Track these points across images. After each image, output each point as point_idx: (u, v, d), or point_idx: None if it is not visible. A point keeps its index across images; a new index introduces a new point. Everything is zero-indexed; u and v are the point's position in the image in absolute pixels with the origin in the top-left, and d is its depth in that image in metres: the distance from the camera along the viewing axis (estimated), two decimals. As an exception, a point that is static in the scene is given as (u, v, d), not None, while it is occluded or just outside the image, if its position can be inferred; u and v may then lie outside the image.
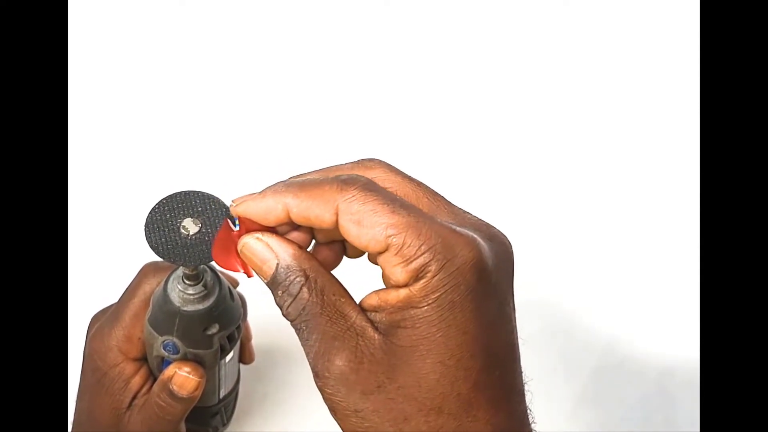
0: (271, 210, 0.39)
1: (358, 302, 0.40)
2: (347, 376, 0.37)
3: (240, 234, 0.41)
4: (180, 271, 0.49)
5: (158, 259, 0.44)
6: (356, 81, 0.87)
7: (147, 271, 0.53)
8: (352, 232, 0.37)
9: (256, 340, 0.62)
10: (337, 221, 0.38)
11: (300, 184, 0.39)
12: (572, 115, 0.86)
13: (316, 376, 0.38)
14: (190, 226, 0.43)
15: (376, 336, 0.38)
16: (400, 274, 0.37)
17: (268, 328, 0.63)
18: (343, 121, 0.84)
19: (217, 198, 0.44)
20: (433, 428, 0.37)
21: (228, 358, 0.53)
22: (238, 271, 0.42)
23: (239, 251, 0.41)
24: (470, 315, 0.37)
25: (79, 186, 0.74)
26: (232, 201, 0.41)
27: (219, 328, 0.50)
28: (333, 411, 0.39)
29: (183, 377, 0.51)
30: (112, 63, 0.85)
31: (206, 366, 0.52)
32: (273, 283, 0.39)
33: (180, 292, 0.49)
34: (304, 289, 0.38)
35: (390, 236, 0.37)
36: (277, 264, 0.39)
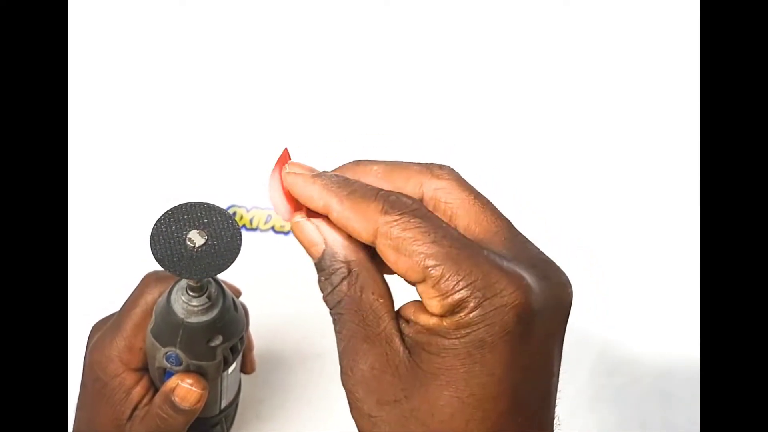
0: (313, 201, 0.38)
1: (398, 306, 0.38)
2: (368, 382, 0.37)
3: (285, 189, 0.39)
4: (184, 282, 0.48)
5: (161, 269, 0.43)
6: (356, 81, 0.87)
7: (149, 281, 0.53)
8: (390, 258, 0.36)
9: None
10: (374, 242, 0.37)
11: (348, 190, 0.38)
12: (570, 113, 0.86)
13: (341, 370, 0.37)
14: (196, 238, 0.43)
15: (402, 349, 0.37)
16: (436, 306, 0.35)
17: (265, 333, 0.63)
18: (343, 121, 0.84)
19: (223, 209, 0.44)
20: None
21: (230, 369, 0.53)
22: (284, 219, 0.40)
23: (291, 225, 0.39)
24: (501, 358, 0.35)
25: (80, 194, 0.73)
26: (289, 167, 0.40)
27: (222, 339, 0.50)
28: (350, 407, 0.38)
29: (185, 389, 0.51)
30: (112, 68, 0.85)
31: (209, 378, 0.51)
32: (318, 267, 0.38)
33: (184, 304, 0.48)
34: (344, 282, 0.37)
35: (428, 267, 0.35)
36: (324, 250, 0.38)
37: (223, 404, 0.56)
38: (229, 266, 0.43)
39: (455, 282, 0.35)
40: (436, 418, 0.36)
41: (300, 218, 0.39)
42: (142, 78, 0.85)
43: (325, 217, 0.39)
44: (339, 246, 0.38)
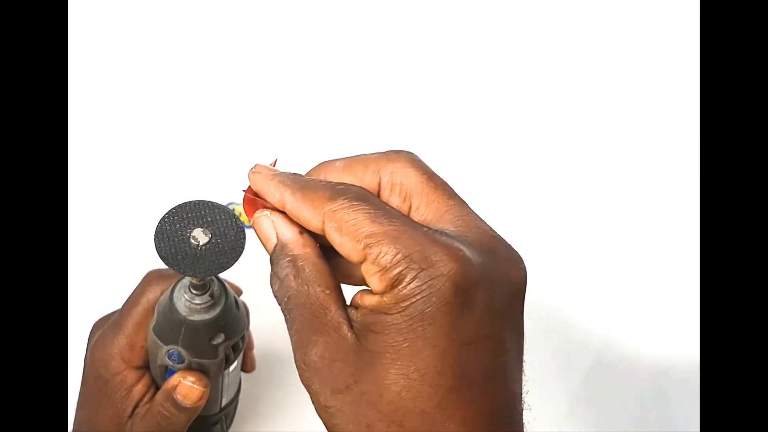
0: (271, 196, 0.40)
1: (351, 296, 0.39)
2: (321, 372, 0.37)
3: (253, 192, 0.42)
4: (186, 280, 0.48)
5: (163, 267, 0.43)
6: (356, 81, 0.87)
7: (150, 278, 0.53)
8: (335, 241, 0.37)
9: (251, 343, 0.62)
10: (322, 228, 0.38)
11: (301, 184, 0.40)
12: (570, 113, 0.86)
13: (296, 363, 0.38)
14: (200, 236, 0.43)
15: (350, 335, 0.37)
16: (377, 283, 0.36)
17: (262, 331, 0.63)
18: (344, 122, 0.84)
19: (227, 208, 0.44)
20: None
21: (232, 367, 0.53)
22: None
23: (252, 222, 0.41)
24: (441, 329, 0.35)
25: (80, 192, 0.73)
26: (254, 167, 0.43)
27: (224, 337, 0.50)
28: (312, 401, 0.38)
29: (187, 387, 0.50)
30: (113, 67, 0.85)
31: (210, 375, 0.51)
32: (270, 262, 0.40)
33: (186, 302, 0.48)
34: (290, 276, 0.39)
35: (368, 245, 0.36)
36: (275, 244, 0.40)
37: (224, 402, 0.56)
38: (232, 264, 0.43)
39: (392, 256, 0.36)
40: (385, 398, 0.36)
41: (259, 214, 0.41)
42: (142, 77, 0.84)
43: (284, 215, 0.40)
44: (289, 240, 0.40)
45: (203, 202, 0.44)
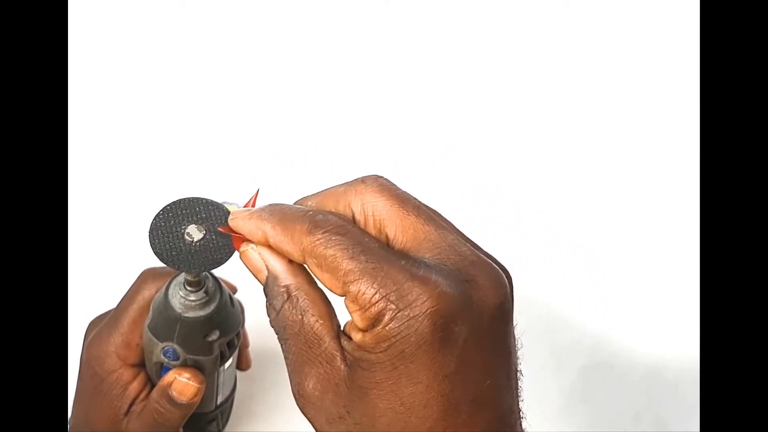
0: (254, 234, 0.40)
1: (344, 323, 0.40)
2: (315, 402, 0.38)
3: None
4: (181, 277, 0.49)
5: (160, 265, 0.43)
6: (355, 81, 0.87)
7: (146, 276, 0.53)
8: (317, 276, 0.38)
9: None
10: (303, 260, 0.38)
11: (279, 216, 0.40)
12: (570, 113, 0.86)
13: (292, 392, 0.39)
14: (194, 232, 0.43)
15: (342, 367, 0.38)
16: (358, 320, 0.37)
17: (258, 329, 0.63)
18: (343, 121, 0.84)
19: (221, 204, 0.44)
20: None
21: (227, 364, 0.53)
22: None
23: (240, 256, 0.42)
24: (423, 366, 0.36)
25: (77, 190, 0.73)
26: (231, 215, 0.42)
27: (219, 334, 0.50)
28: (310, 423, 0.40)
29: (183, 383, 0.51)
30: (112, 65, 0.85)
31: (205, 372, 0.51)
32: (264, 293, 0.40)
33: (181, 299, 0.48)
34: (286, 306, 0.39)
35: (347, 283, 0.37)
36: (267, 276, 0.40)
37: (220, 400, 0.56)
38: (226, 260, 0.43)
39: (371, 295, 0.36)
40: (377, 428, 0.37)
41: (245, 247, 0.41)
42: (139, 76, 0.85)
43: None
44: (279, 271, 0.40)
45: (198, 198, 0.44)
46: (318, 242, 0.37)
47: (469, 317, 0.37)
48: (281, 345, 0.39)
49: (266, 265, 0.40)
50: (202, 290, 0.48)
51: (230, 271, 0.47)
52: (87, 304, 0.59)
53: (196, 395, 0.51)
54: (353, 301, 0.37)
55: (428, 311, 0.36)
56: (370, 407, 0.37)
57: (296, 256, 0.38)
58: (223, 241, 0.43)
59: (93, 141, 0.80)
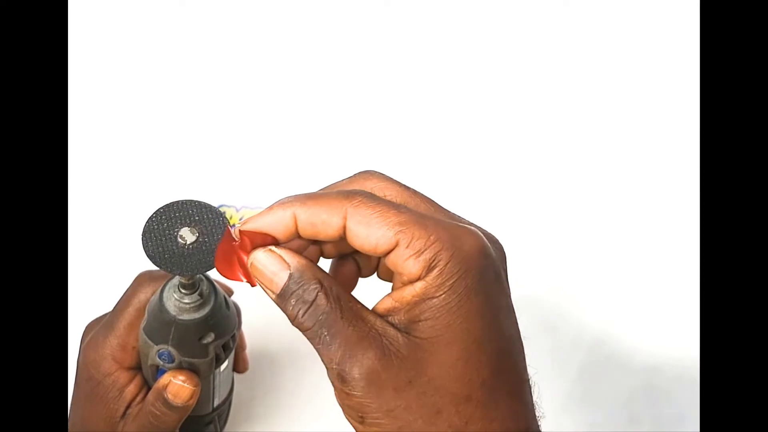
0: (280, 220, 0.40)
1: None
2: (378, 375, 0.37)
3: (243, 245, 0.41)
4: (176, 280, 0.49)
5: (154, 268, 0.43)
6: (357, 82, 0.87)
7: (142, 280, 0.53)
8: (360, 234, 0.39)
9: (244, 345, 0.62)
10: (344, 227, 0.39)
11: (306, 195, 0.40)
12: (570, 113, 0.86)
13: (343, 381, 0.38)
14: (188, 235, 0.43)
15: (398, 334, 0.38)
16: (413, 266, 0.38)
17: (257, 332, 0.63)
18: (342, 121, 0.84)
19: (214, 207, 0.44)
20: (464, 419, 0.37)
21: (223, 367, 0.53)
22: (240, 280, 0.42)
23: (249, 265, 0.41)
24: (484, 300, 0.38)
25: (75, 194, 0.73)
26: (239, 223, 0.42)
27: (214, 337, 0.50)
28: (361, 418, 0.38)
29: (178, 386, 0.51)
30: (111, 68, 0.85)
31: (201, 375, 0.51)
32: (285, 293, 0.39)
33: (176, 301, 0.48)
34: (321, 295, 0.39)
35: (399, 231, 0.38)
36: (290, 274, 0.39)
37: (216, 402, 0.56)
38: (219, 263, 0.43)
39: (426, 239, 0.38)
40: (452, 375, 0.38)
41: (259, 252, 0.40)
42: (138, 78, 0.85)
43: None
44: (304, 266, 0.40)
45: (191, 201, 0.44)
46: (360, 203, 0.39)
47: (501, 262, 0.40)
48: (318, 338, 0.38)
49: (289, 263, 0.39)
50: (197, 293, 0.48)
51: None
52: (83, 307, 0.59)
53: (191, 398, 0.51)
54: (407, 247, 0.38)
55: (480, 248, 0.39)
56: (444, 355, 0.37)
57: (334, 222, 0.39)
58: (216, 243, 0.43)
59: (91, 144, 0.80)
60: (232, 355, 0.54)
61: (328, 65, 0.87)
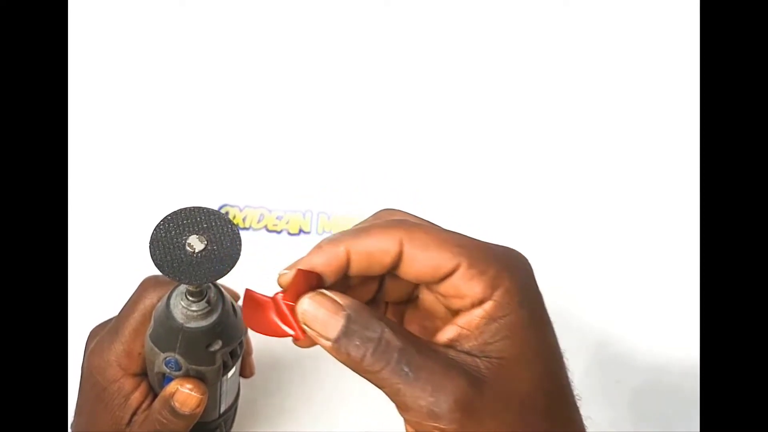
0: (334, 257, 0.39)
1: None
2: (472, 403, 0.36)
3: (275, 299, 0.40)
4: (183, 287, 0.48)
5: (160, 273, 0.43)
6: (357, 82, 0.87)
7: (147, 285, 0.53)
8: (418, 258, 0.38)
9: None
10: (399, 254, 0.39)
11: (353, 229, 0.40)
12: (570, 114, 0.86)
13: (435, 417, 0.36)
14: (196, 243, 0.42)
15: (478, 360, 0.37)
16: (477, 285, 0.38)
17: (259, 337, 0.62)
18: (343, 122, 0.84)
19: (222, 214, 0.44)
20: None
21: (230, 374, 0.52)
22: (286, 335, 0.40)
23: (299, 313, 0.39)
24: (543, 312, 0.39)
25: (79, 198, 0.73)
26: (281, 272, 0.40)
27: (222, 344, 0.49)
28: None
29: (185, 394, 0.50)
30: (111, 69, 0.84)
31: (208, 382, 0.51)
32: (345, 336, 0.37)
33: (183, 309, 0.48)
34: (387, 331, 0.37)
35: (460, 254, 0.38)
36: (348, 315, 0.38)
37: (222, 408, 0.56)
38: (228, 271, 0.43)
39: (486, 259, 0.38)
40: (543, 390, 0.38)
41: (308, 297, 0.39)
42: (139, 80, 0.84)
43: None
44: (360, 305, 0.38)
45: (199, 208, 0.43)
46: (417, 228, 0.39)
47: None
48: (397, 378, 0.36)
49: (342, 304, 0.38)
50: (204, 300, 0.48)
51: (233, 280, 0.47)
52: (88, 312, 0.58)
53: (198, 406, 0.50)
54: (470, 267, 0.38)
55: (528, 266, 0.40)
56: (530, 372, 0.38)
57: (392, 247, 0.39)
58: (225, 251, 0.42)
59: (93, 149, 0.79)
60: (239, 362, 0.53)
61: (328, 65, 0.87)
